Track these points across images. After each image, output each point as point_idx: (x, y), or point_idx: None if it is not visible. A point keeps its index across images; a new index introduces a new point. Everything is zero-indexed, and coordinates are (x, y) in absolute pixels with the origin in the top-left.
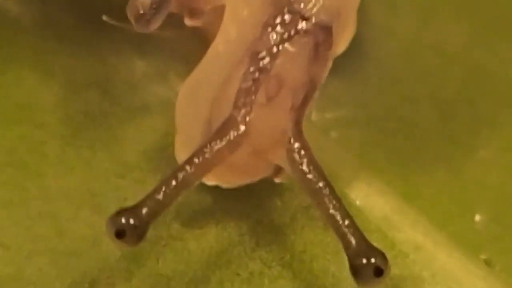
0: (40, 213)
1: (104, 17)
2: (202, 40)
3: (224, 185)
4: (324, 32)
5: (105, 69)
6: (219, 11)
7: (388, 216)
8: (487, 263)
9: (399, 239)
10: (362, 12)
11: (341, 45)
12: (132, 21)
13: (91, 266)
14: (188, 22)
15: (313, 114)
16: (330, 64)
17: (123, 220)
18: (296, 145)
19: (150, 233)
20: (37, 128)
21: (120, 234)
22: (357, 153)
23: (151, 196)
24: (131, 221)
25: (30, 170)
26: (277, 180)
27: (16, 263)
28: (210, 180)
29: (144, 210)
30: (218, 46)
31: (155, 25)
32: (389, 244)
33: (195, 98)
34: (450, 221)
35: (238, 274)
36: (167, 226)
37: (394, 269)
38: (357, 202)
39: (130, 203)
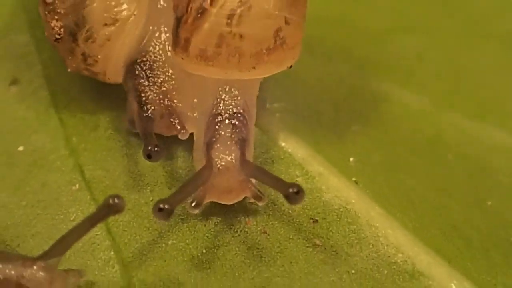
0: (102, 190)
1: None
2: None
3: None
4: (238, 117)
5: None
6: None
7: (305, 158)
8: (356, 182)
9: (311, 170)
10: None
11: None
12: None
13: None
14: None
15: (267, 104)
16: (253, 124)
17: (160, 205)
18: (243, 164)
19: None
20: (105, 150)
21: (160, 210)
22: (290, 124)
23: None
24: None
25: (98, 170)
26: (260, 203)
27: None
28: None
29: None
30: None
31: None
32: (305, 172)
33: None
34: (338, 162)
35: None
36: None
37: (307, 184)
38: (290, 150)
39: (146, 180)
